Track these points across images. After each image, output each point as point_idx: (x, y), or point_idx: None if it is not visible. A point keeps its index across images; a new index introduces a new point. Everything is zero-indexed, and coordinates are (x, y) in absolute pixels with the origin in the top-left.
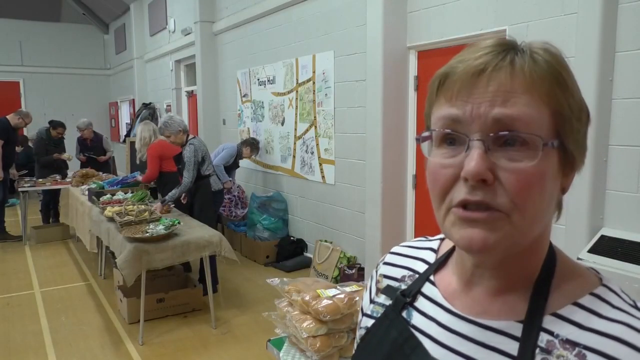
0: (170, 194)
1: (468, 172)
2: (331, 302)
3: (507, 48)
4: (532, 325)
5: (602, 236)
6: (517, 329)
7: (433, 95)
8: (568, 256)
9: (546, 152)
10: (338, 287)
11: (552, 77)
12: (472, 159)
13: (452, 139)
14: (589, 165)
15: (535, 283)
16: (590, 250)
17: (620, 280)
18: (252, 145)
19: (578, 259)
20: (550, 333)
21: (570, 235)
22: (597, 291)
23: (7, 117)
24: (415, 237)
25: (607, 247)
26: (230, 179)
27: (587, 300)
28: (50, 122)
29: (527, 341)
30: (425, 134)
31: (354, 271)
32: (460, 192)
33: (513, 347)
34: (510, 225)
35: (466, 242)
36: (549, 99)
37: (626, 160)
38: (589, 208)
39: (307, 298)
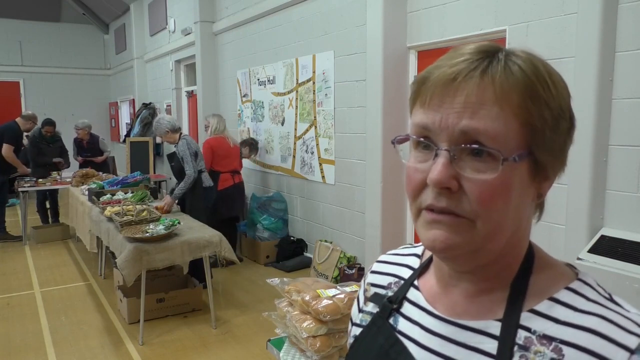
0: (178, 188)
1: (431, 179)
2: (331, 302)
3: (484, 56)
4: (509, 323)
5: (602, 236)
6: (495, 328)
7: (411, 99)
8: (546, 253)
9: (509, 165)
10: (338, 287)
11: (524, 88)
12: (436, 168)
13: (426, 143)
14: (589, 165)
15: (513, 282)
16: (590, 250)
17: (620, 280)
18: (251, 145)
19: (578, 259)
20: (528, 330)
21: (570, 235)
22: (572, 285)
23: (17, 121)
24: (415, 236)
25: (607, 247)
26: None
27: (562, 295)
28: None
29: (506, 339)
30: (401, 136)
31: (354, 271)
32: (428, 197)
33: (492, 347)
34: (473, 231)
35: (430, 242)
36: (519, 111)
37: (626, 160)
38: (589, 208)
39: (307, 298)
